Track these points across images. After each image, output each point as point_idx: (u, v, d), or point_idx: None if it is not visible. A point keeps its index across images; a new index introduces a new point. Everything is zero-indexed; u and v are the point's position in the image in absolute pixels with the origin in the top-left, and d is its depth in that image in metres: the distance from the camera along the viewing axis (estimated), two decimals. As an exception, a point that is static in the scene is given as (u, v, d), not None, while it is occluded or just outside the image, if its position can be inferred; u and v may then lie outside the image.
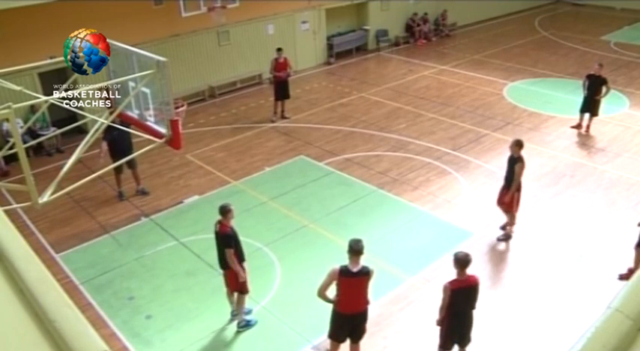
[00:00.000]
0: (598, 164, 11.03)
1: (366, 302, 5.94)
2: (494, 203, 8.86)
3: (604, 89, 11.85)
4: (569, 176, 10.61)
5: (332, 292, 5.89)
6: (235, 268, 6.70)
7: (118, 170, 9.96)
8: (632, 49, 18.47)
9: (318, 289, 5.77)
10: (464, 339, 6.11)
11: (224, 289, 7.16)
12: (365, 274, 5.72)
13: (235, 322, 7.19)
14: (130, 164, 9.97)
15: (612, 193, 9.98)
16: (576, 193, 10.02)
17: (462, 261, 5.70)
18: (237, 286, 6.91)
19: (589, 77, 12.05)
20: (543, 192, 10.09)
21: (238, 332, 7.09)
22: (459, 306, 5.84)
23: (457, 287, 5.74)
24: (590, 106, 12.10)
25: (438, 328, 6.23)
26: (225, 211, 6.68)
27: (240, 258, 6.79)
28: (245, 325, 7.13)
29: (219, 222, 6.71)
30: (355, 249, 5.68)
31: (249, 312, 7.28)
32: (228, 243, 6.62)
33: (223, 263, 6.81)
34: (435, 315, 6.15)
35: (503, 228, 8.82)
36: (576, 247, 8.48)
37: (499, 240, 8.68)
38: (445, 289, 5.78)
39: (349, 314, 5.96)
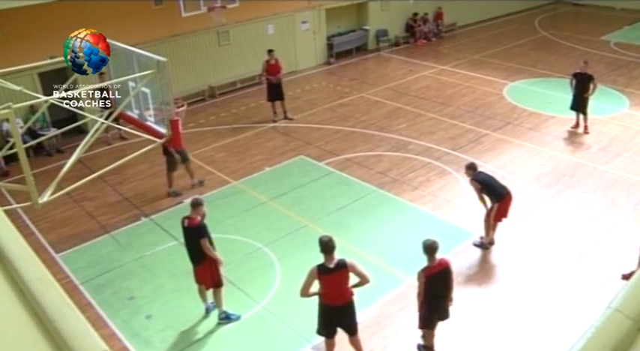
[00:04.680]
0: (598, 164, 11.03)
1: (350, 293, 6.05)
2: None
3: (591, 86, 11.88)
4: (569, 176, 10.61)
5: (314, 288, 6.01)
6: (213, 255, 6.81)
7: (174, 168, 10.19)
8: (632, 49, 18.46)
9: (301, 289, 5.90)
10: (443, 314, 6.38)
11: (195, 287, 7.22)
12: (342, 267, 5.86)
13: (232, 321, 7.23)
14: (185, 159, 10.23)
15: (612, 193, 9.97)
16: (576, 193, 10.01)
17: (429, 248, 6.02)
18: (211, 282, 7.00)
19: (575, 75, 12.09)
20: (543, 192, 10.09)
21: (219, 324, 7.18)
22: (436, 290, 6.15)
23: (431, 274, 6.05)
24: (580, 104, 12.14)
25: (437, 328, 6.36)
26: (196, 204, 6.85)
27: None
28: (225, 318, 7.20)
29: (187, 217, 6.84)
30: (328, 247, 5.85)
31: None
32: (202, 233, 6.74)
33: (196, 257, 6.89)
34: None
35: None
36: (576, 247, 8.48)
37: (474, 245, 8.61)
38: (419, 276, 6.09)
39: (336, 306, 6.07)
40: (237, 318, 7.24)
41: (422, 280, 6.05)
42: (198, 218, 6.83)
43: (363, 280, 5.90)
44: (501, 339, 6.87)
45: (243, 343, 6.97)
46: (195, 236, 6.76)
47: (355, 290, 6.08)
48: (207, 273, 6.93)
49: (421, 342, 6.59)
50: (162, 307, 7.61)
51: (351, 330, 6.27)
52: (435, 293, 6.15)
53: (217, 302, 7.19)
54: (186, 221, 6.82)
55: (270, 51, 13.24)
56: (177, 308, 7.56)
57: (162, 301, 7.73)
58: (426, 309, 6.24)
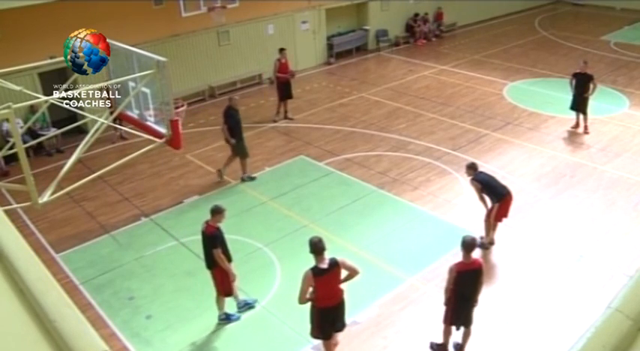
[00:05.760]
0: (598, 164, 11.03)
1: (342, 291, 6.07)
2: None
3: (591, 86, 11.89)
4: (569, 176, 10.61)
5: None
6: (225, 267, 6.81)
7: (246, 155, 10.54)
8: (632, 49, 18.46)
9: (299, 297, 5.88)
10: (468, 320, 6.35)
11: (214, 293, 7.16)
12: (335, 265, 5.87)
13: (236, 323, 7.25)
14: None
15: (612, 193, 9.97)
16: (576, 193, 10.01)
17: (468, 245, 5.95)
18: (223, 289, 7.03)
19: (575, 75, 12.11)
20: (543, 192, 10.09)
21: (219, 324, 7.19)
22: (464, 288, 6.08)
23: (462, 270, 5.98)
24: (579, 104, 12.16)
25: (439, 326, 6.46)
26: (214, 211, 6.81)
27: (227, 259, 6.90)
28: (226, 318, 7.21)
29: (206, 222, 6.83)
30: (318, 248, 5.85)
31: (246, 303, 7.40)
32: (214, 243, 6.74)
33: (210, 263, 6.92)
34: (436, 314, 6.25)
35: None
36: (576, 247, 8.48)
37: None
38: (451, 270, 6.02)
39: (331, 306, 6.07)
40: (237, 318, 7.26)
41: (453, 274, 5.99)
42: (217, 225, 6.79)
43: (353, 273, 5.93)
44: (501, 339, 6.87)
45: (243, 343, 6.98)
46: (209, 244, 6.79)
47: (349, 290, 6.08)
48: (217, 280, 6.98)
49: (436, 341, 6.60)
50: (162, 307, 7.61)
51: (342, 328, 6.31)
52: (462, 293, 6.10)
53: (218, 305, 7.19)
54: (204, 225, 6.85)
55: (281, 49, 13.24)
56: (177, 308, 7.56)
57: (162, 301, 7.73)
58: (452, 308, 6.23)
